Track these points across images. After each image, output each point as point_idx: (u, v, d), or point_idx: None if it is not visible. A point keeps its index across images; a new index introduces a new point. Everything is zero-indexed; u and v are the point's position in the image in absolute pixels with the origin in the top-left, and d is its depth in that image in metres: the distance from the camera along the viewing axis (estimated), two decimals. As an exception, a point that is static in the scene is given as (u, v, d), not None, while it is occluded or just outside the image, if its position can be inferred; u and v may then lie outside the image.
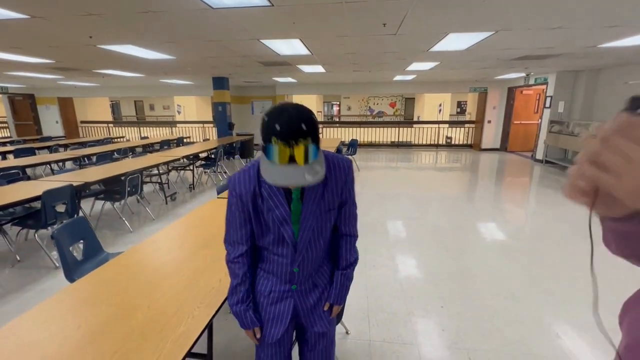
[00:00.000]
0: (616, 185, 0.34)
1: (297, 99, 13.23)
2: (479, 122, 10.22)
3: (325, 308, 1.20)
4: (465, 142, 10.96)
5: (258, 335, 1.13)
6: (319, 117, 16.62)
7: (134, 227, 3.85)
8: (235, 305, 1.09)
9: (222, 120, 8.60)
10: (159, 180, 5.21)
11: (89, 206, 4.35)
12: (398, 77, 8.71)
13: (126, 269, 1.49)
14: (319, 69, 6.65)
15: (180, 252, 1.66)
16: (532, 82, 8.23)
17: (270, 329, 1.11)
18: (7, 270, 2.85)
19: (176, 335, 1.05)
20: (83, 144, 7.44)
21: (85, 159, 5.72)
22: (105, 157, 5.35)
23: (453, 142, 11.28)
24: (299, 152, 0.81)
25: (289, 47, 4.38)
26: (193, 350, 1.00)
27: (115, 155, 6.04)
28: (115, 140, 9.19)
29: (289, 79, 9.04)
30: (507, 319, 2.15)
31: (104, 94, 12.03)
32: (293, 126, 0.81)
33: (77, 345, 1.00)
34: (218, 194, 2.77)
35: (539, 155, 7.93)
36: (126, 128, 13.70)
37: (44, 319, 1.13)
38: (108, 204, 4.34)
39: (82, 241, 2.12)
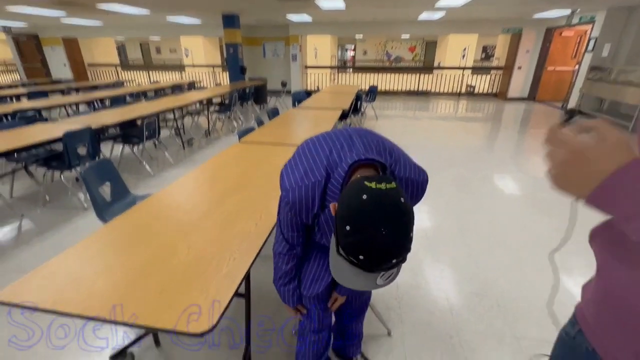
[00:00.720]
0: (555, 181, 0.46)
1: (311, 41, 12.36)
2: (507, 69, 9.46)
3: (330, 304, 1.19)
4: (489, 91, 10.29)
5: (304, 311, 1.15)
6: (333, 62, 15.65)
7: (154, 171, 3.87)
8: (282, 287, 1.10)
9: (234, 64, 8.18)
10: (175, 125, 5.11)
11: (108, 150, 4.35)
12: (424, 16, 7.91)
13: (159, 212, 1.47)
14: (339, 4, 6.03)
15: (211, 195, 1.62)
16: (575, 21, 7.36)
17: (311, 283, 1.10)
18: (39, 210, 2.94)
19: (220, 276, 1.03)
20: (95, 87, 7.27)
21: (99, 102, 5.60)
22: (118, 101, 5.23)
23: (476, 91, 10.60)
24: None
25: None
26: None
27: (128, 99, 5.90)
28: (126, 84, 8.95)
29: (304, 17, 8.32)
30: (535, 267, 2.14)
31: (109, 33, 11.46)
32: (382, 260, 0.62)
33: (123, 282, 1.00)
34: (240, 137, 2.67)
35: (571, 105, 7.40)
36: (134, 72, 13.30)
37: (89, 255, 1.13)
38: (127, 149, 4.33)
39: (108, 183, 2.11)
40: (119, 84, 8.22)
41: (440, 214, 2.85)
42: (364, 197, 0.61)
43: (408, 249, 0.64)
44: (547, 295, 1.91)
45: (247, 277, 1.33)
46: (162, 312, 0.88)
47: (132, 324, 0.85)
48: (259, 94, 7.87)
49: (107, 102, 5.45)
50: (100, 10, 6.66)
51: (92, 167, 1.93)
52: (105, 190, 2.08)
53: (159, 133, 4.06)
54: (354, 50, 20.39)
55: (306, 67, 10.96)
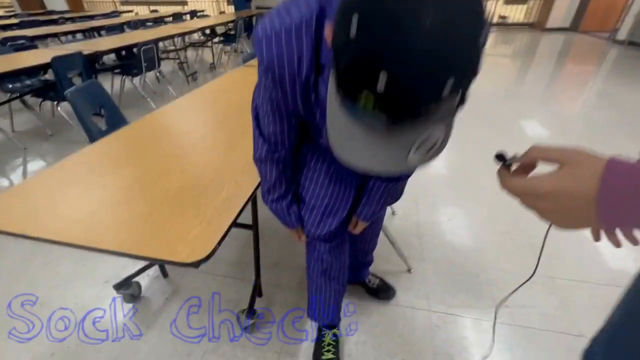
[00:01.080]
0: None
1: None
2: (550, -8, 8.21)
3: (351, 227, 0.95)
4: (525, 21, 9.11)
5: (303, 237, 0.93)
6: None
7: (157, 105, 3.63)
8: (274, 202, 0.85)
9: (238, -11, 7.34)
10: (177, 57, 4.73)
11: (108, 84, 4.08)
12: None
13: (152, 131, 1.27)
14: None
15: (212, 116, 1.41)
16: None
17: (327, 216, 0.87)
18: (44, 144, 2.82)
19: (218, 201, 0.86)
20: (91, 17, 6.72)
21: (95, 33, 5.18)
22: (115, 30, 4.80)
23: (509, 22, 9.39)
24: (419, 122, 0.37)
25: None
26: (238, 221, 0.82)
27: (126, 29, 5.43)
28: (124, 14, 8.29)
29: None
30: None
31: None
32: (423, 87, 0.32)
33: (105, 204, 0.84)
34: (244, 62, 2.36)
35: (622, 35, 6.47)
36: (134, 6, 12.32)
37: (69, 176, 0.97)
38: (128, 83, 4.06)
39: (102, 110, 1.91)
40: (115, 13, 7.59)
41: (464, 148, 2.58)
42: None
43: (470, 64, 0.33)
44: (583, 236, 1.72)
45: (253, 205, 1.17)
46: (148, 239, 0.73)
47: (112, 251, 0.70)
48: (267, 25, 7.16)
49: (104, 33, 5.03)
50: None
51: (78, 89, 1.72)
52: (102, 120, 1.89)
53: (159, 64, 3.73)
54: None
55: (319, -6, 9.82)
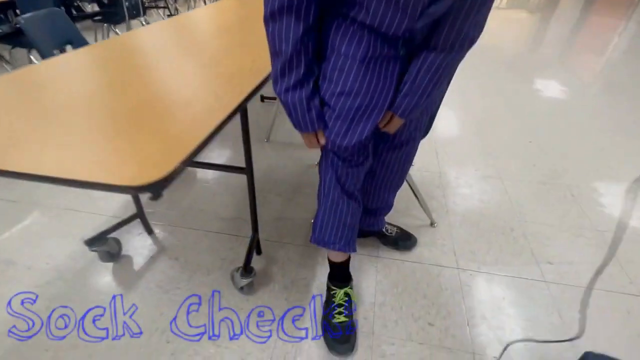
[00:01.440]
0: None
1: None
2: None
3: (382, 126, 0.74)
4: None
5: (323, 142, 0.70)
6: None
7: (145, 59, 3.31)
8: (289, 92, 0.62)
9: None
10: (165, 5, 4.30)
11: (91, 37, 3.72)
12: None
13: (126, 47, 1.01)
14: None
15: (198, 36, 1.14)
16: None
17: (359, 120, 0.67)
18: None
19: (188, 115, 0.62)
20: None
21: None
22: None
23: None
24: None
25: None
26: (231, 164, 0.59)
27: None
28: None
29: None
30: (614, 155, 1.68)
31: None
32: None
33: (49, 125, 0.60)
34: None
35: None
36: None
37: (15, 97, 0.73)
38: (113, 35, 3.70)
39: (69, 45, 1.63)
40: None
41: (492, 94, 2.29)
42: None
43: None
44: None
45: (246, 145, 0.93)
46: (90, 163, 0.50)
47: (33, 174, 0.48)
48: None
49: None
50: None
51: (35, 16, 1.43)
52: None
53: (144, 11, 3.35)
54: None
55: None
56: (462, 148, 1.77)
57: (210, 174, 1.59)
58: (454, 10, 0.56)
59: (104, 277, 1.10)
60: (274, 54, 0.61)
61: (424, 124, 0.89)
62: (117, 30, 3.42)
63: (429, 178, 1.55)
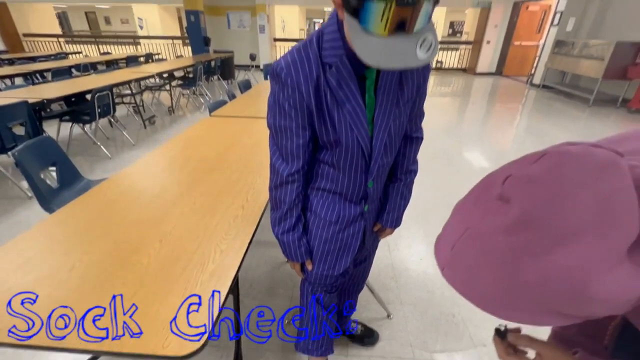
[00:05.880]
0: None
1: (279, 13, 11.64)
2: (477, 43, 9.52)
3: (376, 229, 1.03)
4: (458, 66, 10.37)
5: (310, 268, 0.94)
6: (302, 36, 15.05)
7: (112, 153, 3.43)
8: (285, 234, 0.87)
9: (196, 34, 7.48)
10: (133, 102, 4.58)
11: (54, 130, 3.79)
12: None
13: (118, 197, 1.20)
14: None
15: (182, 176, 1.37)
16: (542, -6, 7.45)
17: (337, 260, 0.93)
18: (-29, 201, 2.48)
19: (207, 274, 0.82)
20: (32, 59, 6.33)
21: (39, 75, 4.87)
22: (62, 74, 4.56)
23: (445, 67, 10.63)
24: (415, 13, 0.53)
25: None
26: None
27: (75, 72, 5.19)
28: (71, 56, 7.94)
29: (272, -16, 7.73)
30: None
31: (46, -2, 10.03)
32: None
33: (76, 291, 0.76)
34: (210, 112, 2.37)
35: (537, 79, 7.62)
36: (81, 46, 11.88)
37: (25, 258, 0.87)
38: (77, 129, 3.80)
39: (54, 167, 1.76)
40: (61, 55, 7.25)
41: (428, 188, 2.77)
42: None
43: None
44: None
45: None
46: (130, 331, 0.67)
47: (85, 350, 0.63)
48: (225, 68, 7.30)
49: (49, 77, 4.76)
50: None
51: (28, 147, 1.59)
52: (54, 175, 1.74)
53: (114, 110, 3.58)
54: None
55: (275, 40, 10.34)
56: (409, 239, 2.11)
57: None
58: (408, 152, 0.92)
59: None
60: (274, 208, 0.87)
61: (379, 241, 1.19)
62: (84, 127, 3.55)
63: (385, 270, 1.82)
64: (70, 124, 3.49)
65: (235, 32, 9.86)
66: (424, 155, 3.41)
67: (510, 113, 5.47)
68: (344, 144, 0.76)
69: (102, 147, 3.45)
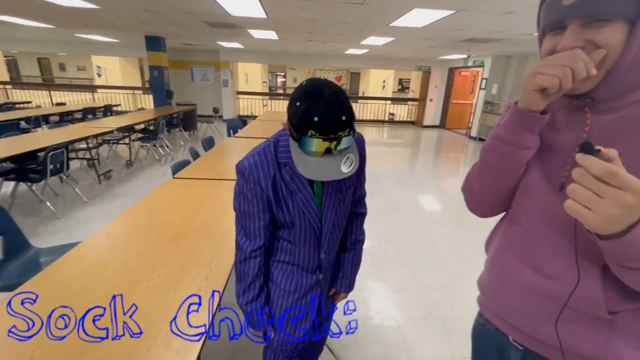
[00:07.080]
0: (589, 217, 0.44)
1: (242, 66, 12.32)
2: (421, 100, 10.75)
3: (331, 293, 1.17)
4: (408, 119, 11.51)
5: (272, 335, 1.04)
6: (264, 88, 15.89)
7: (61, 212, 3.26)
8: (249, 304, 0.98)
9: (159, 87, 7.63)
10: (89, 156, 4.46)
11: (-6, 188, 3.54)
12: (350, 51, 8.58)
13: (81, 275, 1.21)
14: (271, 35, 6.17)
15: (146, 247, 1.41)
16: (470, 64, 8.81)
17: (297, 327, 1.04)
18: None
19: (172, 352, 0.88)
20: (-27, 110, 5.97)
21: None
22: (9, 128, 4.37)
23: (396, 119, 11.74)
24: (338, 143, 0.76)
25: (243, 7, 3.93)
26: None
27: (23, 124, 4.98)
28: (20, 106, 7.58)
29: (236, 45, 8.30)
30: (469, 285, 2.35)
31: (-4, 46, 9.71)
32: (333, 119, 0.73)
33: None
34: (174, 174, 2.44)
35: (474, 132, 8.69)
36: (31, 92, 11.39)
37: (-24, 350, 0.85)
38: (22, 185, 3.59)
39: None
40: (8, 105, 6.92)
41: (380, 239, 2.98)
42: (305, 82, 0.79)
43: (351, 112, 0.75)
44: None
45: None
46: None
47: None
48: (188, 120, 7.43)
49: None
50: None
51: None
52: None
53: (67, 167, 3.47)
54: (284, 77, 20.97)
55: (238, 92, 10.81)
56: (365, 294, 2.23)
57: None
58: (353, 225, 1.08)
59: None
60: (239, 279, 0.98)
61: (335, 305, 1.30)
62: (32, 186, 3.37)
63: (343, 327, 1.90)
64: (14, 182, 3.31)
65: (199, 85, 10.17)
66: (376, 202, 3.68)
67: (455, 162, 6.14)
68: (297, 225, 0.93)
69: (49, 205, 3.27)
